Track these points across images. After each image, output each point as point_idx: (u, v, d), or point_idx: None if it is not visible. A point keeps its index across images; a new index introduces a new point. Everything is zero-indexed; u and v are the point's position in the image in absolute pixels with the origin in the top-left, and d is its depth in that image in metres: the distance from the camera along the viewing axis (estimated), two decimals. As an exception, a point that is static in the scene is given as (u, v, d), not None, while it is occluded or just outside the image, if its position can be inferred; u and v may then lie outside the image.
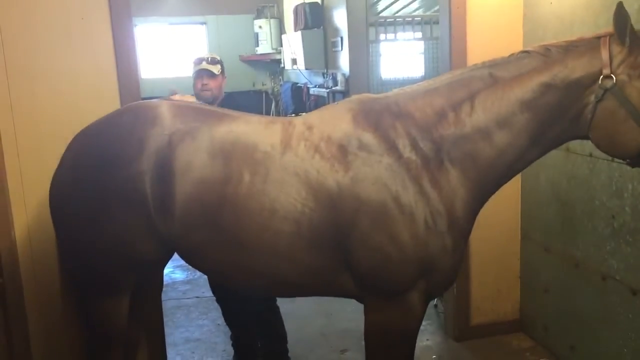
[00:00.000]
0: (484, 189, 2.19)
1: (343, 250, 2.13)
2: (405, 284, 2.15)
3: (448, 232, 2.12)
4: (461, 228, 2.17)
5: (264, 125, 2.28)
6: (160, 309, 3.28)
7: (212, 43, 9.88)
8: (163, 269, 2.83)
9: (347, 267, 2.17)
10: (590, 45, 2.02)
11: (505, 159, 2.14)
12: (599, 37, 2.01)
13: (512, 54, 2.15)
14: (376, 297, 2.21)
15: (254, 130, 2.25)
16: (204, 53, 3.53)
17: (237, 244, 2.17)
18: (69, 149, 2.38)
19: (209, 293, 4.67)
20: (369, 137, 2.14)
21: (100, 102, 2.95)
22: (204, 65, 3.45)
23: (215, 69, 3.46)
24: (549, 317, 3.61)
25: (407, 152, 2.11)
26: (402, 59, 8.18)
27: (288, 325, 4.14)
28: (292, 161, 2.16)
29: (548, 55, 2.06)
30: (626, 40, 1.94)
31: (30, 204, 2.91)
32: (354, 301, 2.31)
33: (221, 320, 4.28)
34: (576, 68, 2.01)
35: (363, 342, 3.77)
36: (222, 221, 2.15)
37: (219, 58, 3.56)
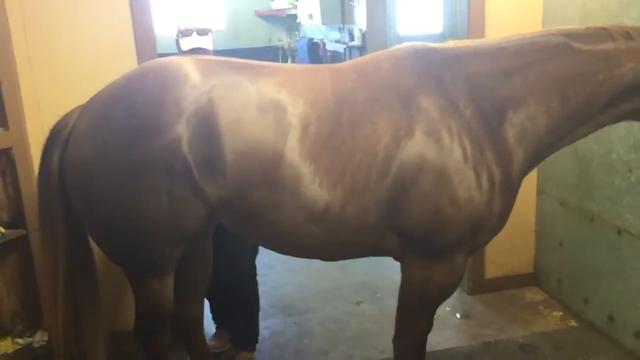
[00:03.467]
0: (538, 152, 2.18)
1: (398, 210, 2.07)
2: (457, 245, 2.14)
3: (502, 194, 2.11)
4: (514, 190, 2.17)
5: (311, 74, 2.17)
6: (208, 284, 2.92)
7: (228, -2, 9.78)
8: (210, 242, 2.65)
9: (396, 227, 2.11)
10: None
11: (565, 127, 2.14)
12: None
13: (589, 28, 2.11)
14: (420, 257, 2.18)
15: (302, 80, 2.13)
16: (190, 20, 2.93)
17: (296, 204, 2.05)
18: (83, 118, 2.15)
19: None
20: (430, 93, 2.07)
21: (117, 56, 2.98)
22: (195, 39, 2.93)
23: (208, 44, 2.96)
24: (563, 271, 3.64)
25: (468, 112, 2.07)
26: (420, 14, 8.01)
27: (304, 278, 4.26)
28: (350, 111, 2.07)
29: (630, 38, 2.05)
30: None
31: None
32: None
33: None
34: None
35: (378, 295, 3.90)
36: (281, 180, 2.02)
37: (208, 27, 3.01)
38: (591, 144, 3.21)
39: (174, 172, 2.02)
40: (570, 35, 2.10)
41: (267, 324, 3.62)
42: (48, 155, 2.22)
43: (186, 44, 2.89)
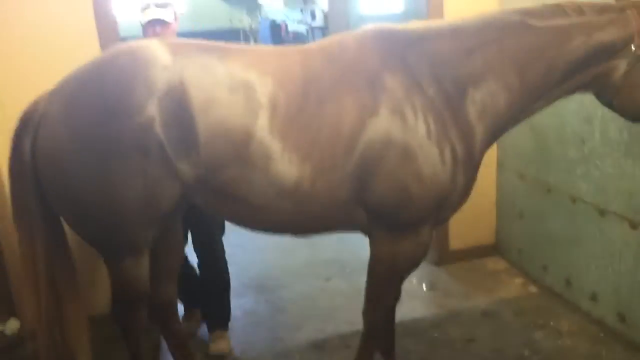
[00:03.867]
0: (499, 127, 2.27)
1: (365, 185, 2.15)
2: (421, 219, 2.22)
3: (465, 169, 2.20)
4: (476, 164, 2.27)
5: (279, 55, 2.23)
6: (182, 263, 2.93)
7: (187, -21, 9.65)
8: (181, 223, 2.67)
9: (364, 202, 2.19)
10: (619, 13, 2.14)
11: (523, 101, 2.23)
12: (624, 8, 2.14)
13: (545, 5, 2.19)
14: (387, 231, 2.26)
15: (271, 60, 2.18)
16: None
17: (266, 180, 2.11)
18: (54, 101, 2.13)
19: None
20: (395, 72, 2.14)
21: (80, 43, 2.97)
22: (154, 10, 2.92)
23: (168, 16, 2.94)
24: (523, 241, 3.80)
25: (431, 90, 2.14)
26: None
27: (274, 256, 4.34)
28: (318, 90, 2.13)
29: (582, 13, 2.14)
30: None
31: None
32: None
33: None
34: (611, 32, 2.12)
35: (347, 270, 4.00)
36: (252, 157, 2.07)
37: (169, 1, 2.98)
38: (546, 118, 3.33)
39: (147, 152, 2.05)
40: (527, 13, 2.18)
41: (239, 303, 3.69)
42: (19, 140, 2.19)
43: (145, 16, 2.91)
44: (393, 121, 2.10)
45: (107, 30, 3.13)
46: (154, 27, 2.92)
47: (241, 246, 4.51)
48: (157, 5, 2.90)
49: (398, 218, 2.22)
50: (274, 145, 2.08)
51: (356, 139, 2.10)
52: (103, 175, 2.07)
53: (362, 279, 2.46)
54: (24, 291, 2.40)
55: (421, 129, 2.11)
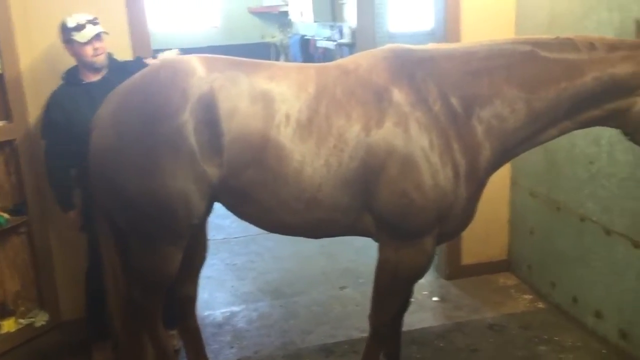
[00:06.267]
0: (507, 149, 2.39)
1: (369, 193, 2.32)
2: (424, 228, 2.36)
3: (467, 184, 2.32)
4: (479, 181, 2.39)
5: (298, 71, 2.45)
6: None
7: (221, -5, 9.96)
8: (206, 224, 2.86)
9: (370, 209, 2.36)
10: (634, 50, 2.22)
11: (531, 128, 2.34)
12: (638, 45, 2.23)
13: (557, 37, 2.30)
14: (393, 238, 2.41)
15: (289, 75, 2.40)
16: (77, 15, 2.96)
17: (279, 182, 2.32)
18: (105, 109, 2.44)
19: (219, 235, 5.03)
20: (402, 89, 2.31)
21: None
22: (91, 28, 2.94)
23: (101, 29, 2.99)
24: (533, 258, 3.88)
25: (437, 107, 2.29)
26: (410, 11, 8.14)
27: (292, 264, 4.50)
28: (329, 102, 2.34)
29: (593, 49, 2.23)
30: None
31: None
32: (354, 243, 2.50)
33: (230, 260, 4.63)
34: (624, 69, 2.20)
35: (361, 280, 4.14)
36: (267, 160, 2.30)
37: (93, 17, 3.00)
38: (557, 138, 3.43)
39: (180, 153, 2.30)
40: (537, 43, 2.30)
41: (255, 306, 3.86)
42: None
43: (84, 35, 2.93)
44: (397, 133, 2.26)
45: (140, 43, 3.35)
46: (92, 44, 2.96)
47: (260, 254, 4.69)
48: (92, 23, 2.96)
49: (401, 226, 2.36)
50: (286, 151, 2.30)
51: (361, 148, 2.27)
52: (146, 169, 2.33)
53: (373, 289, 2.60)
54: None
55: (424, 141, 2.26)
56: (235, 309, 3.86)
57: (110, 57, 3.08)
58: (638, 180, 2.87)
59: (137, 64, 2.99)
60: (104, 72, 3.04)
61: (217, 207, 2.57)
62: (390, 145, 2.26)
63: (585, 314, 3.36)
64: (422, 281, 4.07)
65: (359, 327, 3.46)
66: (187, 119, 2.29)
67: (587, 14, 3.11)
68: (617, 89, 2.23)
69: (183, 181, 2.32)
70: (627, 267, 3.00)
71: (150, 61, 2.92)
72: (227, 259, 4.65)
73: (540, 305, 3.72)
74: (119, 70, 2.99)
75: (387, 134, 2.27)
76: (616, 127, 2.37)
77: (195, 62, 2.40)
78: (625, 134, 2.35)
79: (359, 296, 3.93)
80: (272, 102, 2.33)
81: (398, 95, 2.30)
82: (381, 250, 2.47)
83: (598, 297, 3.25)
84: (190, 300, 2.94)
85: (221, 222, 5.18)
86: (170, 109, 2.29)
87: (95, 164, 2.45)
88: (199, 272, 2.95)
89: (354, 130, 2.29)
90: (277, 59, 10.22)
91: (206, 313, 3.78)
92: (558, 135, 2.43)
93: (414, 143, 2.26)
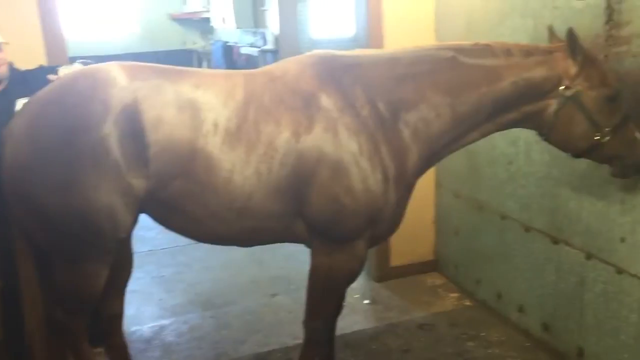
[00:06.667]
0: (433, 152, 2.45)
1: (301, 199, 2.31)
2: (355, 232, 2.38)
3: (396, 187, 2.36)
4: (408, 184, 2.44)
5: (225, 78, 2.40)
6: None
7: (140, 0, 9.72)
8: (131, 237, 2.73)
9: (302, 215, 2.35)
10: (546, 55, 2.35)
11: (455, 131, 2.42)
12: (551, 51, 2.36)
13: (477, 44, 2.40)
14: (325, 243, 2.41)
15: (216, 82, 2.35)
16: None
17: (209, 193, 2.27)
18: (18, 121, 2.30)
19: (145, 248, 4.88)
20: (330, 94, 2.31)
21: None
22: None
23: (2, 39, 2.78)
24: (459, 257, 4.00)
25: (365, 112, 2.32)
26: (332, 18, 8.24)
27: (222, 274, 4.43)
28: (257, 109, 2.30)
29: (510, 55, 2.35)
30: (578, 57, 2.30)
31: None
32: (284, 250, 2.49)
33: (157, 272, 4.50)
34: (538, 73, 2.33)
35: (292, 287, 4.12)
36: (195, 170, 2.25)
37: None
38: (479, 141, 3.55)
39: (103, 166, 2.20)
40: (458, 50, 2.39)
41: (185, 319, 3.77)
42: None
43: None
44: (326, 138, 2.27)
45: (55, 50, 3.20)
46: None
47: (189, 265, 4.59)
48: None
49: (333, 231, 2.36)
50: (215, 160, 2.25)
51: (291, 155, 2.27)
52: (67, 184, 2.21)
53: (306, 296, 2.59)
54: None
55: (353, 146, 2.28)
56: (164, 322, 3.75)
57: (11, 67, 2.85)
58: (554, 178, 3.02)
59: (38, 73, 2.80)
60: (4, 84, 2.83)
61: (142, 218, 2.49)
62: (320, 150, 2.27)
63: (509, 309, 3.49)
64: (353, 285, 4.07)
65: (292, 334, 3.45)
66: (110, 131, 2.20)
67: (502, 21, 3.25)
68: (533, 92, 2.35)
69: (108, 195, 2.23)
70: (546, 263, 3.15)
71: (52, 77, 2.65)
72: (154, 271, 4.52)
73: (467, 302, 3.83)
74: (20, 81, 2.80)
75: (317, 139, 2.27)
76: (532, 128, 2.50)
77: (115, 70, 2.30)
78: (541, 134, 2.47)
79: (291, 303, 3.92)
80: (199, 110, 2.27)
81: (326, 100, 2.31)
82: (314, 255, 2.47)
83: (520, 293, 3.38)
84: (116, 316, 2.83)
85: (146, 234, 5.02)
86: (91, 121, 2.20)
87: (10, 180, 2.30)
88: (125, 286, 2.84)
89: (283, 137, 2.28)
90: (200, 66, 10.08)
91: (133, 328, 3.65)
92: (480, 138, 2.53)
93: (344, 148, 2.27)
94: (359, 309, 3.82)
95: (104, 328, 2.81)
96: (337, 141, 2.27)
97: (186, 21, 10.09)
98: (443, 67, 2.37)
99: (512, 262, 3.42)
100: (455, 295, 3.94)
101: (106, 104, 2.21)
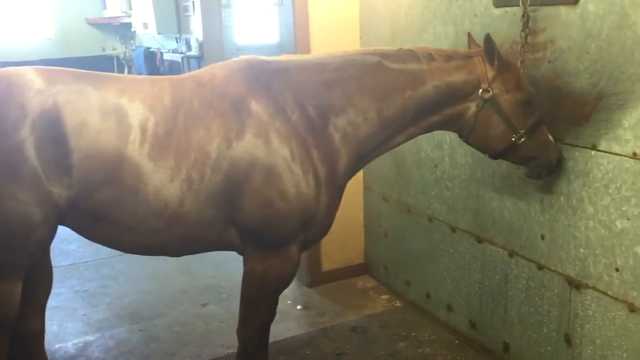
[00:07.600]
0: (362, 155, 2.49)
1: (234, 205, 2.28)
2: (289, 237, 2.37)
3: (328, 189, 2.38)
4: (339, 187, 2.46)
5: (151, 83, 2.34)
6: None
7: (55, 4, 9.32)
8: (49, 250, 2.62)
9: (234, 221, 2.31)
10: (466, 60, 2.45)
11: (382, 134, 2.46)
12: (471, 56, 2.45)
13: (400, 49, 2.46)
14: (259, 249, 2.39)
15: (142, 88, 2.29)
16: None
17: (137, 201, 2.20)
18: None
19: (66, 261, 4.67)
20: (260, 99, 2.29)
21: None
22: None
23: None
24: (388, 259, 4.07)
25: (295, 116, 2.31)
26: (256, 25, 8.26)
27: (149, 285, 4.30)
28: (186, 114, 2.25)
29: (432, 60, 2.42)
30: (495, 62, 2.40)
31: None
32: (214, 258, 2.45)
33: (80, 287, 4.31)
34: (458, 77, 2.42)
35: (223, 295, 4.06)
36: (123, 178, 2.18)
37: None
38: (405, 144, 3.63)
39: (20, 174, 2.10)
40: (383, 55, 2.44)
41: (112, 333, 3.62)
42: None
43: None
44: (258, 144, 2.25)
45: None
46: None
47: (114, 278, 4.43)
48: None
49: (267, 236, 2.35)
50: (144, 167, 2.19)
51: (222, 161, 2.24)
52: None
53: (238, 303, 2.56)
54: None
55: (285, 151, 2.27)
56: (89, 338, 3.59)
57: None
58: (477, 180, 3.13)
59: None
60: None
61: (62, 230, 2.38)
62: (252, 156, 2.26)
63: (438, 308, 3.58)
64: (285, 291, 4.05)
65: (224, 343, 3.39)
66: (27, 136, 2.09)
67: (425, 28, 3.35)
68: (453, 95, 2.43)
69: (23, 204, 2.12)
70: (472, 261, 3.25)
71: None
72: (77, 285, 4.32)
73: (398, 303, 3.90)
74: None
75: (249, 145, 2.26)
76: (454, 130, 2.59)
77: (31, 74, 2.20)
78: (461, 136, 2.57)
79: (223, 312, 3.85)
80: (125, 116, 2.20)
81: (256, 106, 2.30)
82: (247, 262, 2.45)
83: (448, 292, 3.48)
84: (36, 335, 2.67)
85: (67, 247, 4.83)
86: (5, 126, 2.09)
87: None
88: (44, 303, 2.69)
89: (214, 143, 2.25)
90: (121, 72, 9.79)
91: (57, 346, 3.48)
92: (406, 141, 2.60)
93: (276, 153, 2.27)
94: (291, 315, 3.81)
95: (23, 348, 2.65)
96: (269, 147, 2.27)
97: (105, 26, 9.75)
98: (370, 72, 2.41)
99: (440, 263, 3.52)
100: (386, 297, 4.00)
101: (22, 108, 2.11)
